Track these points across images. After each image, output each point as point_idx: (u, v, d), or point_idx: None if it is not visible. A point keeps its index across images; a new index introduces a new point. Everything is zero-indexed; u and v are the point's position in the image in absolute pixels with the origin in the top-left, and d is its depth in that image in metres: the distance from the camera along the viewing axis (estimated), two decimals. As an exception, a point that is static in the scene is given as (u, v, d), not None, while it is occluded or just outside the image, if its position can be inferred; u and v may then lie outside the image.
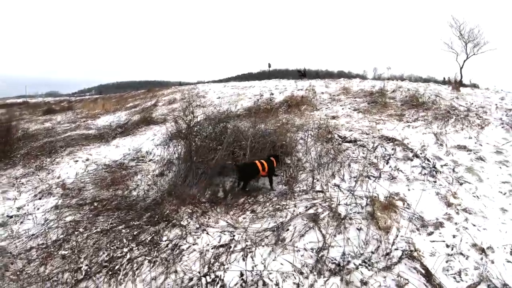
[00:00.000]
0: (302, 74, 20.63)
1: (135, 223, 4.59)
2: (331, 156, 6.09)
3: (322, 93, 12.16)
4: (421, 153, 6.00)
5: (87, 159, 8.05)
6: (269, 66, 29.52)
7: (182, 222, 4.55)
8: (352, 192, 4.95)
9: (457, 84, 12.28)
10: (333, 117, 8.95)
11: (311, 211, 4.56)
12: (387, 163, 5.74)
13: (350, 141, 6.74)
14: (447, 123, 7.50)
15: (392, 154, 6.05)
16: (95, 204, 5.52)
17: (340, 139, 6.85)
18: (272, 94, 11.66)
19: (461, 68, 18.54)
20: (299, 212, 4.58)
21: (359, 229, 4.11)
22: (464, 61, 18.54)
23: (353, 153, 6.23)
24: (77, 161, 8.04)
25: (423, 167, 5.55)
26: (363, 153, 6.17)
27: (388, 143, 6.57)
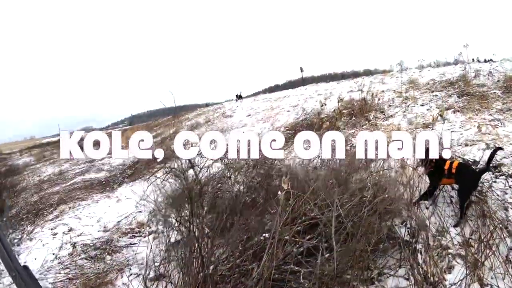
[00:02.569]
0: (239, 97, 19.85)
1: None
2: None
3: (383, 91, 9.21)
4: None
5: (70, 229, 5.59)
6: (302, 70, 26.11)
7: None
8: None
9: None
10: (425, 125, 5.95)
11: None
12: None
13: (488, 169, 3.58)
14: None
15: None
16: None
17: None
18: (323, 103, 8.52)
19: None
20: None
21: None
22: None
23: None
24: (56, 234, 5.61)
25: None
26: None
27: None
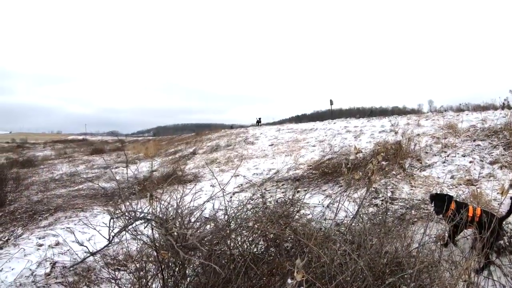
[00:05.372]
0: (258, 122, 19.75)
1: None
2: None
3: (418, 135, 8.42)
4: None
5: (57, 244, 5.17)
6: (331, 103, 25.47)
7: None
8: None
9: None
10: (469, 182, 5.14)
11: None
12: None
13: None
14: None
15: None
16: None
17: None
18: (358, 149, 7.75)
19: None
20: None
21: None
22: None
23: None
24: (41, 246, 5.21)
25: None
26: None
27: None
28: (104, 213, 6.71)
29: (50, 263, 4.52)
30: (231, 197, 3.49)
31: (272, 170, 7.82)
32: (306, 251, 2.24)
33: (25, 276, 4.21)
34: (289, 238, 2.67)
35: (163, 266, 2.31)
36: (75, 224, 6.20)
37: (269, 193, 5.42)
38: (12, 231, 5.90)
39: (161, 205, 2.84)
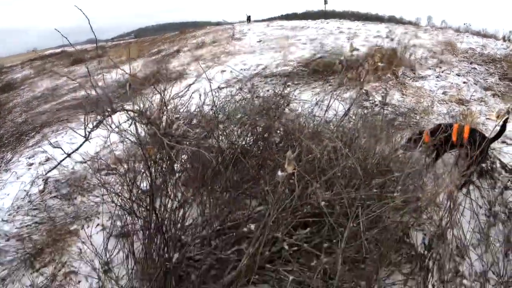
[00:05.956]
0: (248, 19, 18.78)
1: None
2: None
3: (415, 45, 8.02)
4: None
5: (47, 160, 5.03)
6: (326, 2, 23.49)
7: None
8: None
9: None
10: (460, 101, 5.05)
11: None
12: None
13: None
14: None
15: None
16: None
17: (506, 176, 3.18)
18: (354, 47, 7.25)
19: None
20: None
21: None
22: None
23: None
24: (31, 164, 5.09)
25: None
26: None
27: None
28: (91, 122, 6.37)
29: (43, 180, 4.45)
30: (219, 88, 3.23)
31: (260, 66, 7.49)
32: (296, 145, 2.11)
33: (21, 198, 4.17)
34: (278, 132, 2.54)
35: (150, 163, 2.12)
36: (62, 137, 6.05)
37: (258, 88, 5.21)
38: (2, 158, 5.79)
39: (143, 99, 2.54)
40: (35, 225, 3.54)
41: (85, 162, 4.46)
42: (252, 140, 2.54)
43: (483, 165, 3.27)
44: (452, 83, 5.78)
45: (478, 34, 11.60)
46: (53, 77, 14.92)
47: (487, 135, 3.15)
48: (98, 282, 2.37)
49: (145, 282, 2.06)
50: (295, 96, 3.15)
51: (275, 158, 2.09)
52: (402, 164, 2.47)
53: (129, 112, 2.06)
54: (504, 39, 10.67)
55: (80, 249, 3.01)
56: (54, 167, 2.83)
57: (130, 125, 2.17)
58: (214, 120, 2.38)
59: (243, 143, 2.46)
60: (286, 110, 2.80)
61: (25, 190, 4.31)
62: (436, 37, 9.25)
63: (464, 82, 5.82)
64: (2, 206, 4.09)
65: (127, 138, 2.42)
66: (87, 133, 2.00)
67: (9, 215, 3.86)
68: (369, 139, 2.45)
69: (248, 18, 18.59)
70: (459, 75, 6.17)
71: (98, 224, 3.29)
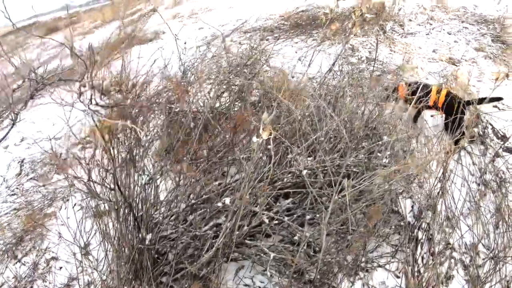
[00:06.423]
0: None
1: None
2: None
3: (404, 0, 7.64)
4: None
5: (22, 140, 4.73)
6: None
7: None
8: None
9: None
10: (451, 60, 4.82)
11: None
12: None
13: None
14: None
15: None
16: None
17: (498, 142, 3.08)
18: None
19: None
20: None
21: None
22: None
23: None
24: (7, 147, 4.80)
25: None
26: None
27: None
28: (68, 93, 6.00)
29: (18, 162, 4.25)
30: (185, 47, 2.93)
31: (239, 21, 7.05)
32: (275, 105, 1.90)
33: None
34: (255, 91, 2.32)
35: (108, 137, 1.88)
36: (37, 113, 5.32)
37: (236, 44, 4.88)
38: None
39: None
40: (14, 212, 3.43)
41: (59, 139, 4.26)
42: (228, 100, 2.30)
43: (475, 129, 3.17)
44: (442, 41, 5.53)
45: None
46: (26, 50, 14.20)
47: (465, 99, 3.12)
48: (79, 268, 2.27)
49: (121, 264, 1.92)
50: (275, 51, 2.89)
51: (250, 120, 1.88)
52: (390, 126, 2.30)
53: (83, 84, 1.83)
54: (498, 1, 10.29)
55: (60, 233, 2.89)
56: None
57: (79, 96, 1.93)
58: (183, 81, 2.14)
59: (217, 105, 2.23)
60: (265, 67, 2.56)
61: (1, 176, 4.12)
62: (429, -8, 8.87)
63: (455, 41, 5.58)
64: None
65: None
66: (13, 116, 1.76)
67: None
68: (355, 98, 2.25)
69: None
70: (449, 34, 5.90)
71: (75, 204, 3.14)
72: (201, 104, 2.17)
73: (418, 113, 3.26)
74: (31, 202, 3.42)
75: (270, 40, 4.93)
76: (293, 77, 2.63)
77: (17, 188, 3.83)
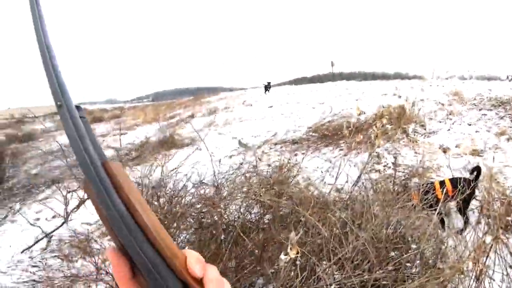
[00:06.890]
0: (266, 87, 15.75)
1: None
2: None
3: (422, 100, 8.09)
4: None
5: (54, 217, 5.04)
6: (332, 64, 24.17)
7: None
8: None
9: None
10: (475, 152, 4.92)
11: None
12: None
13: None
14: None
15: None
16: None
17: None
18: (361, 111, 7.32)
19: None
20: None
21: None
22: None
23: None
24: (38, 219, 5.15)
25: None
26: None
27: None
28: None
29: (46, 238, 4.43)
30: (220, 160, 3.23)
31: (270, 132, 7.59)
32: (303, 220, 2.04)
33: (22, 253, 4.13)
34: (285, 205, 2.47)
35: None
36: (72, 195, 6.01)
37: (267, 155, 5.19)
38: (10, 207, 5.90)
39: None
40: (33, 283, 3.43)
41: (90, 225, 4.44)
42: (258, 214, 2.46)
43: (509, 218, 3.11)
44: (463, 133, 5.70)
45: (482, 78, 11.75)
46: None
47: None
48: None
49: None
50: (305, 167, 3.12)
51: (279, 237, 1.98)
52: (419, 232, 2.33)
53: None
54: (508, 78, 10.71)
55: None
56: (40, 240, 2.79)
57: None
58: (216, 196, 2.36)
59: (248, 217, 2.39)
60: (296, 179, 2.77)
61: (27, 245, 4.28)
62: (443, 89, 9.36)
63: (476, 131, 5.74)
64: (2, 257, 4.06)
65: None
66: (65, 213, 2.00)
67: (8, 267, 3.80)
68: (382, 208, 2.35)
69: (267, 86, 15.62)
70: (470, 125, 6.10)
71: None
72: (232, 218, 2.34)
73: (442, 221, 3.22)
74: (52, 279, 3.39)
75: (298, 154, 5.24)
76: (321, 190, 2.80)
77: (40, 261, 3.92)
